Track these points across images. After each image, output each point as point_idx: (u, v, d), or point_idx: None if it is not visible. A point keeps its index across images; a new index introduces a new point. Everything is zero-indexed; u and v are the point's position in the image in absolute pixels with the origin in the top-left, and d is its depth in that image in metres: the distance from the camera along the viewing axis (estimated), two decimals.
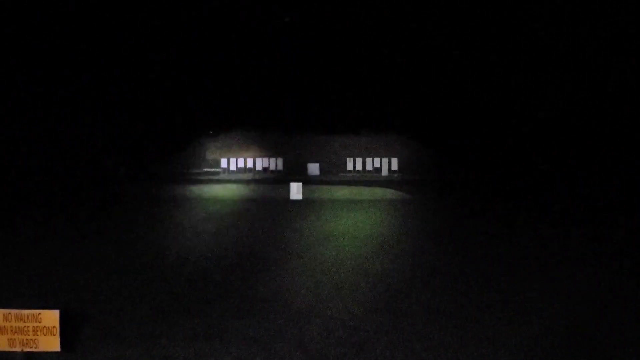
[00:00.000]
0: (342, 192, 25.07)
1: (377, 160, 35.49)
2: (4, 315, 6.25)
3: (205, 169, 35.71)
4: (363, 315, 8.04)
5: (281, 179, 31.53)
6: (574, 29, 30.77)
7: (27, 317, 6.22)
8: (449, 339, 7.10)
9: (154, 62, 34.01)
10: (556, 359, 6.59)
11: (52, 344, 6.24)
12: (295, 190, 22.17)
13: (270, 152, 36.21)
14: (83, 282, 9.68)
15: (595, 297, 8.87)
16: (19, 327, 6.22)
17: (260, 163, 35.70)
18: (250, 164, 35.65)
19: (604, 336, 7.21)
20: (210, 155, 36.37)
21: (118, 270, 10.53)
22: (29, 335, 6.23)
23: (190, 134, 35.75)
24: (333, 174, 35.05)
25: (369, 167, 35.45)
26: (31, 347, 6.25)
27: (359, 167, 35.46)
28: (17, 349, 6.26)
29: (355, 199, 22.50)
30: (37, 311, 6.26)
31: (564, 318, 7.89)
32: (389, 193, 24.88)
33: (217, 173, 35.18)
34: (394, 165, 35.26)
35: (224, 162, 35.77)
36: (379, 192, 25.10)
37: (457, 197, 23.91)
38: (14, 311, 6.26)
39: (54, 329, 6.22)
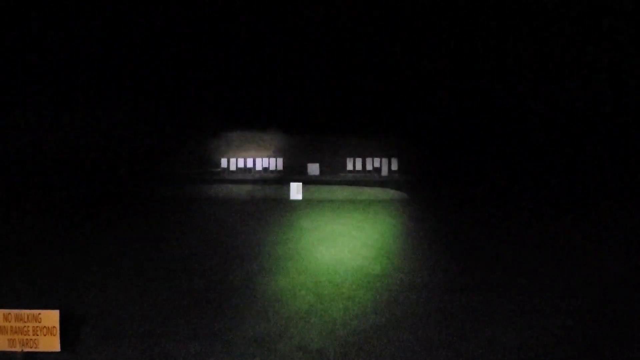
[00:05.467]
0: (342, 192, 25.05)
1: (377, 160, 35.50)
2: (4, 315, 6.25)
3: (205, 169, 35.70)
4: (363, 315, 8.04)
5: (281, 179, 31.54)
6: (574, 28, 30.79)
7: (27, 317, 6.23)
8: (449, 339, 7.10)
9: (154, 61, 34.02)
10: (556, 359, 6.58)
11: (52, 344, 6.24)
12: (295, 190, 22.18)
13: (270, 152, 36.23)
14: (83, 282, 9.68)
15: (596, 297, 8.87)
16: (19, 327, 6.23)
17: (260, 163, 35.73)
18: (250, 164, 35.66)
19: (604, 336, 7.21)
20: (210, 155, 36.35)
21: (118, 270, 10.52)
22: (29, 335, 6.23)
23: (189, 134, 35.73)
24: (333, 174, 35.04)
25: (369, 167, 35.45)
26: (31, 347, 6.26)
27: (359, 167, 35.46)
28: (17, 349, 6.27)
29: (355, 199, 22.50)
30: (37, 311, 6.26)
31: (564, 317, 7.89)
32: (389, 193, 24.88)
33: (217, 173, 35.18)
34: (394, 165, 35.25)
35: (223, 162, 35.77)
36: (379, 192, 25.09)
37: (456, 197, 23.89)
38: (14, 311, 6.27)
39: (54, 329, 6.22)
